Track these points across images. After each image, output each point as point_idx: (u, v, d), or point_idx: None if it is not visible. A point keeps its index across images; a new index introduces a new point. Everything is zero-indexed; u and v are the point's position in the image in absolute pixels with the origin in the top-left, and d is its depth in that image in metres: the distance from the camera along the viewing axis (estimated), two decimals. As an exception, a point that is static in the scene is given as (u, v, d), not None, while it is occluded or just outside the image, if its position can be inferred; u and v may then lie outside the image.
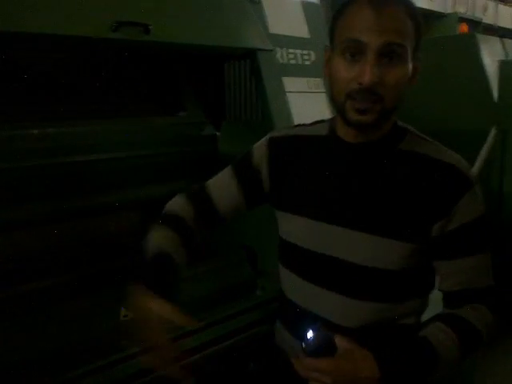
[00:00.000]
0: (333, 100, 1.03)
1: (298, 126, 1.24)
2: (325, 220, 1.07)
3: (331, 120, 1.14)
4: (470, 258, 1.03)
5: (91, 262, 1.56)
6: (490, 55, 2.94)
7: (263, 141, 1.20)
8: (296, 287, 1.14)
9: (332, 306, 1.07)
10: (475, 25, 9.05)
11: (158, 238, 1.10)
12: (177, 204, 1.20)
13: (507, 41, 3.50)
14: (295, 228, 1.12)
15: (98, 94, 1.67)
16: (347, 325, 1.05)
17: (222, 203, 1.19)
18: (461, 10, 9.58)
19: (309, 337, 0.92)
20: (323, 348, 0.92)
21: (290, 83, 1.73)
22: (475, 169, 1.82)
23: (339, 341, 0.93)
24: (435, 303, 1.12)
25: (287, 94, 1.71)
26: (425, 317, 1.13)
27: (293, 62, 1.78)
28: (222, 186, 1.21)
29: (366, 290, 1.05)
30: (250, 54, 1.63)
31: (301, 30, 1.84)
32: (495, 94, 2.09)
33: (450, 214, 0.99)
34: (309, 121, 1.24)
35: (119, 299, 1.40)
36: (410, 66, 0.98)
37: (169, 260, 1.06)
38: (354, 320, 1.05)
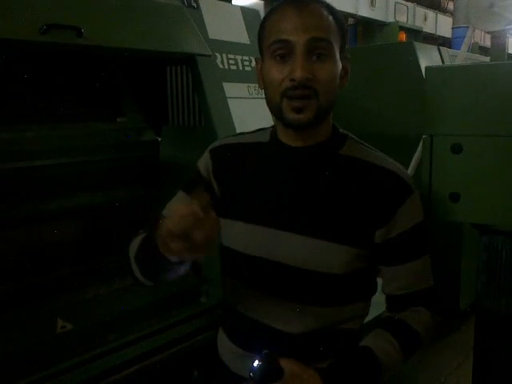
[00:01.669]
0: (269, 104, 1.04)
1: (239, 134, 1.24)
2: (267, 224, 1.06)
3: (272, 127, 1.15)
4: (412, 263, 1.06)
5: (26, 272, 1.50)
6: (428, 63, 3.06)
7: (205, 154, 1.19)
8: (238, 294, 1.12)
9: (276, 312, 1.06)
10: (416, 33, 9.40)
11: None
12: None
13: (444, 49, 3.65)
14: (238, 234, 1.11)
15: (34, 98, 1.62)
16: (292, 331, 1.04)
17: None
18: (402, 19, 9.93)
19: (255, 365, 0.93)
20: (270, 374, 0.93)
21: (231, 89, 1.74)
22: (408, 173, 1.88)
23: (285, 364, 0.94)
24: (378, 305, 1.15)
25: (228, 99, 1.71)
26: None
27: (233, 67, 1.78)
28: None
29: (309, 295, 1.04)
30: (189, 59, 1.62)
31: (241, 35, 1.85)
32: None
33: (391, 220, 1.01)
34: (250, 127, 1.24)
35: (56, 311, 1.37)
36: (339, 64, 1.01)
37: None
38: (298, 326, 1.05)
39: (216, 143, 1.20)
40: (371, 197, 1.01)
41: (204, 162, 1.18)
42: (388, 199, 1.01)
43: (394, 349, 1.02)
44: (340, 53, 1.01)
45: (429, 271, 1.10)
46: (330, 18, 0.99)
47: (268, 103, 1.05)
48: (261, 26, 1.05)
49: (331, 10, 1.01)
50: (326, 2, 1.02)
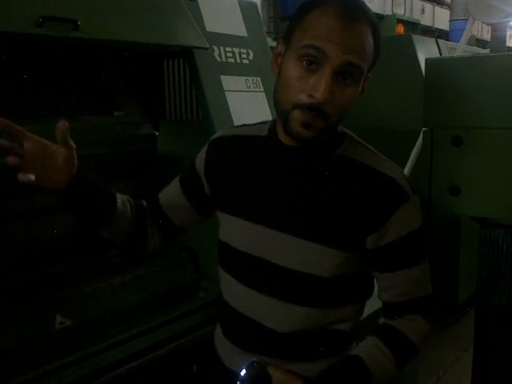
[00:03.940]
0: (277, 104, 0.98)
1: (242, 126, 1.20)
2: (260, 222, 1.04)
3: (272, 121, 1.10)
4: (407, 271, 1.03)
5: (24, 267, 1.49)
6: (426, 56, 3.05)
7: (205, 146, 1.18)
8: (232, 290, 1.11)
9: (267, 310, 1.05)
10: (413, 26, 9.39)
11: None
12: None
13: (442, 42, 3.64)
14: (232, 229, 1.10)
15: (30, 92, 1.60)
16: (282, 330, 1.04)
17: (177, 217, 1.21)
18: (399, 11, 9.93)
19: (242, 374, 0.95)
20: (257, 383, 0.95)
21: (229, 82, 1.72)
22: (406, 169, 1.86)
23: (273, 371, 0.95)
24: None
25: (226, 92, 1.70)
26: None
27: (231, 60, 1.77)
28: (172, 200, 1.21)
29: (299, 295, 1.03)
30: (187, 52, 1.61)
31: (238, 28, 1.83)
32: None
33: (384, 227, 0.98)
34: (248, 120, 1.22)
35: (54, 307, 1.37)
36: (360, 88, 0.97)
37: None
38: (288, 325, 1.04)
39: (216, 135, 1.18)
40: (364, 201, 0.98)
41: (200, 156, 1.17)
42: (381, 205, 0.98)
43: (386, 358, 1.01)
44: (366, 73, 0.96)
45: (426, 279, 1.07)
46: (372, 42, 0.93)
47: (276, 101, 0.99)
48: (297, 15, 0.96)
49: (375, 31, 0.94)
50: (374, 21, 0.94)
